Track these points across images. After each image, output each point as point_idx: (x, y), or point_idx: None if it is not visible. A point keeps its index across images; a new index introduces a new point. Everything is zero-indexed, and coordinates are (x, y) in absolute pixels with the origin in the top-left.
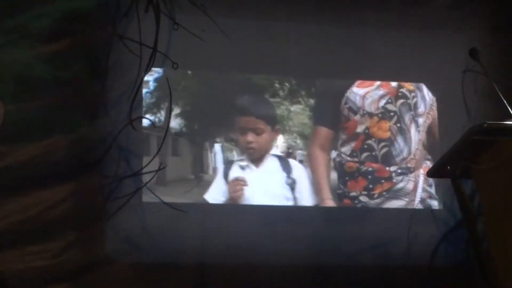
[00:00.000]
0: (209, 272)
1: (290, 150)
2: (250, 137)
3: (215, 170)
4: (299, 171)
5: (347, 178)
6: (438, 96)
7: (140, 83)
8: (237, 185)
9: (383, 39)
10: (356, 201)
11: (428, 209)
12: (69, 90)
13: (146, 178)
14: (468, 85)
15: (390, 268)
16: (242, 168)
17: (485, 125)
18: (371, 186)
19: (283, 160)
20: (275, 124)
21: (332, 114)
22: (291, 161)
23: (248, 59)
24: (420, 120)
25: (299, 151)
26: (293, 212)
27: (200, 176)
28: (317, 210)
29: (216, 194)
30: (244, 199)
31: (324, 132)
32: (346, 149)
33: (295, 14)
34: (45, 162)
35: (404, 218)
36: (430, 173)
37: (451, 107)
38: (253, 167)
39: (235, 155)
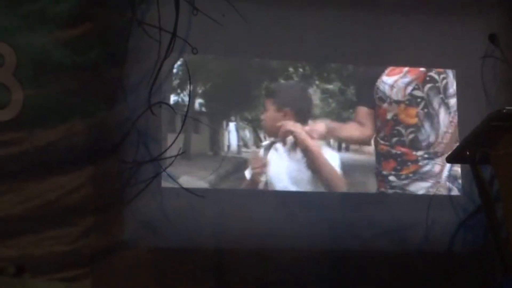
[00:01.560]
0: (227, 257)
1: None
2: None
3: (229, 147)
4: None
5: (382, 158)
6: (458, 82)
7: (159, 69)
8: None
9: (400, 24)
10: (386, 181)
11: (447, 195)
12: (87, 75)
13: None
14: (487, 71)
15: (407, 254)
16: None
17: (504, 111)
18: (398, 167)
19: None
20: None
21: (370, 95)
22: None
23: (267, 44)
24: (452, 101)
25: None
26: (310, 197)
27: (217, 152)
28: (334, 195)
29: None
30: None
31: (362, 110)
32: (381, 134)
33: None
34: (63, 147)
35: (423, 203)
36: (449, 159)
37: (470, 93)
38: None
39: (247, 133)
